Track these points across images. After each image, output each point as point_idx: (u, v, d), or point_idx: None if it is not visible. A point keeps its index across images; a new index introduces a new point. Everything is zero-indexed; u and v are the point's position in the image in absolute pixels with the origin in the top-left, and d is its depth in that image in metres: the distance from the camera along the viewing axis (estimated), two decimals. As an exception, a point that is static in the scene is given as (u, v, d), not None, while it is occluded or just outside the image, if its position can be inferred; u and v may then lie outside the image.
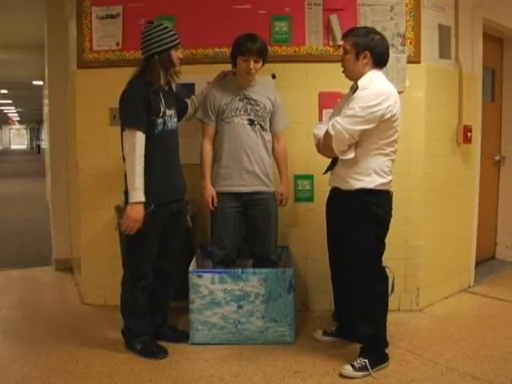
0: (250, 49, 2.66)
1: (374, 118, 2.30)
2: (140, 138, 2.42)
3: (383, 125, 2.34)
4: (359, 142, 2.38)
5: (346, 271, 2.54)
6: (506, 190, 4.37)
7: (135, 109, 2.43)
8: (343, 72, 2.50)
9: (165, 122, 2.54)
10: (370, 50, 2.38)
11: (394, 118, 2.35)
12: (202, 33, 3.14)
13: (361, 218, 2.42)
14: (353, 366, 2.40)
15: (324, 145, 2.44)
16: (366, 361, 2.40)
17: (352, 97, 2.38)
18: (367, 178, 2.38)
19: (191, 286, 2.70)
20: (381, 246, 2.48)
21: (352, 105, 2.33)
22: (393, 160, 2.45)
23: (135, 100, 2.44)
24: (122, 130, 2.46)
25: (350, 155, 2.38)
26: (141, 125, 2.43)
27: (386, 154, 2.40)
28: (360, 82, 2.38)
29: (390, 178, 2.43)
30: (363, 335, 2.48)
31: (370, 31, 2.44)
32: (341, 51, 2.56)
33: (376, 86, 2.35)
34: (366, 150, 2.39)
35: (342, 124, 2.31)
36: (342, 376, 2.39)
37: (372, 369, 2.39)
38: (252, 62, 2.69)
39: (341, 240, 2.56)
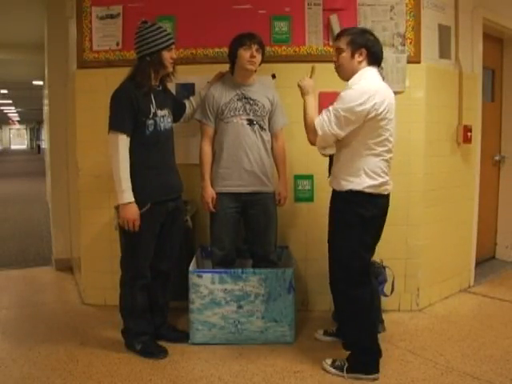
0: (250, 38, 2.71)
1: (357, 117, 2.25)
2: (123, 140, 2.43)
3: (370, 124, 2.28)
4: (347, 141, 2.34)
5: (330, 273, 2.50)
6: (506, 190, 4.37)
7: (120, 112, 2.45)
8: (337, 72, 2.44)
9: (156, 123, 2.54)
10: (367, 48, 2.34)
11: (381, 116, 2.26)
12: (202, 33, 3.14)
13: (345, 220, 2.37)
14: (333, 362, 2.42)
15: (308, 135, 2.42)
16: (346, 363, 2.39)
17: (339, 95, 2.33)
18: (356, 180, 2.32)
19: (191, 285, 2.70)
20: (364, 252, 2.39)
21: (336, 105, 2.29)
22: (386, 160, 2.35)
23: (120, 103, 2.46)
24: (108, 132, 2.48)
25: (330, 151, 2.41)
26: (124, 128, 2.44)
27: (377, 155, 2.32)
28: (350, 80, 2.35)
29: (381, 179, 2.32)
30: (346, 339, 2.46)
31: (365, 31, 2.42)
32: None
33: (362, 85, 2.29)
34: (356, 150, 2.33)
35: (329, 126, 2.28)
36: (322, 367, 2.44)
37: (347, 373, 2.36)
38: (254, 50, 2.71)
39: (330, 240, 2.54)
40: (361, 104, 2.23)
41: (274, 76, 3.12)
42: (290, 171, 3.10)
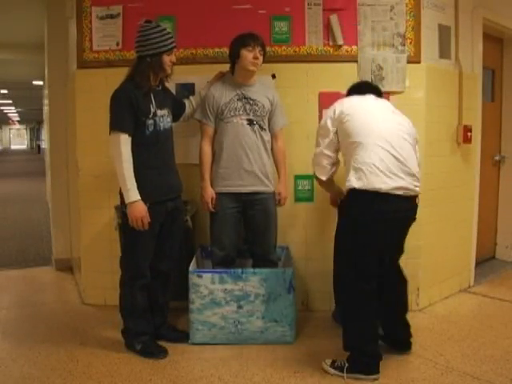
0: (254, 39, 2.72)
1: (325, 129, 2.48)
2: (125, 140, 2.44)
3: (340, 127, 2.43)
4: (342, 151, 2.48)
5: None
6: (506, 190, 4.37)
7: (120, 112, 2.45)
8: None
9: (155, 123, 2.54)
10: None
11: (343, 114, 2.41)
12: (202, 33, 3.14)
13: (341, 220, 2.44)
14: (333, 362, 2.42)
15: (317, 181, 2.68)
16: (346, 364, 2.38)
17: None
18: (347, 178, 2.36)
19: (191, 286, 2.70)
20: (359, 254, 2.33)
21: None
22: (384, 149, 2.28)
23: (120, 103, 2.46)
24: (109, 133, 2.48)
25: (332, 170, 2.55)
26: (125, 128, 2.44)
27: (360, 145, 2.30)
28: None
29: (368, 168, 2.25)
30: (342, 341, 2.45)
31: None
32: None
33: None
34: (345, 152, 2.44)
35: (314, 153, 2.56)
36: (322, 367, 2.44)
37: (347, 373, 2.35)
38: (257, 52, 2.71)
39: None
40: (324, 119, 2.52)
41: (273, 76, 3.12)
42: (290, 171, 3.09)
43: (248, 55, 2.72)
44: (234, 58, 2.79)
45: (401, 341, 2.61)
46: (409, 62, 3.12)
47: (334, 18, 3.09)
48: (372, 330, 2.40)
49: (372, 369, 2.36)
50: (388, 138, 2.31)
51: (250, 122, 2.79)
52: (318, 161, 2.53)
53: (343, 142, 2.43)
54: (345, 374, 2.36)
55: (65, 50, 3.85)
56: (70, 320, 3.14)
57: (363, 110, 2.41)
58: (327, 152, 2.48)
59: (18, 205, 8.68)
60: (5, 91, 14.97)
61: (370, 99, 2.51)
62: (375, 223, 2.30)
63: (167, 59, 2.53)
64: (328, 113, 2.50)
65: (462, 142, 3.47)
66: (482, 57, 3.69)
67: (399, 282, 2.62)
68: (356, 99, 2.52)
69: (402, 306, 2.62)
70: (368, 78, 3.10)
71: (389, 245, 2.44)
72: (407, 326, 2.62)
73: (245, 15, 3.12)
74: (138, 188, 2.46)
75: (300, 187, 3.21)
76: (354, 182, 2.29)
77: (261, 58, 2.76)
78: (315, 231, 3.19)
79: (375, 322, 2.44)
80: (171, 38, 2.54)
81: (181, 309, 2.92)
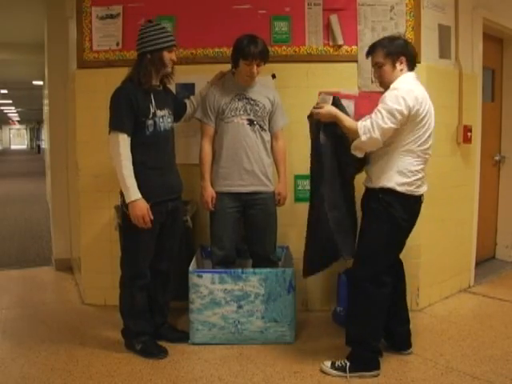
0: (253, 53, 2.65)
1: (398, 120, 2.27)
2: (124, 140, 2.44)
3: (410, 125, 2.31)
4: (388, 141, 2.34)
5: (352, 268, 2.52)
6: (506, 190, 4.37)
7: (119, 112, 2.45)
8: (380, 85, 2.47)
9: (155, 123, 2.54)
10: (405, 54, 2.38)
11: (420, 117, 2.31)
12: (202, 33, 3.14)
13: (377, 218, 2.39)
14: (333, 363, 2.41)
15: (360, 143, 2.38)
16: (348, 363, 2.38)
17: (382, 97, 2.35)
18: (389, 177, 2.35)
19: (191, 286, 2.70)
20: (390, 250, 2.45)
21: (379, 107, 2.31)
22: (424, 159, 2.41)
23: (120, 103, 2.46)
24: (109, 133, 2.48)
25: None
26: (124, 128, 2.44)
27: (413, 152, 2.35)
28: (392, 85, 2.37)
29: (413, 177, 2.34)
30: (348, 336, 2.45)
31: (391, 38, 2.44)
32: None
33: (402, 88, 2.31)
34: (395, 149, 2.35)
35: (374, 130, 2.28)
36: (321, 370, 2.42)
37: (350, 372, 2.35)
38: (255, 66, 2.70)
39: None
40: (401, 106, 2.26)
41: (274, 76, 3.12)
42: (290, 171, 3.09)
43: (245, 68, 2.71)
44: (234, 62, 2.78)
45: (401, 338, 2.62)
46: (409, 61, 3.12)
47: (334, 18, 3.09)
48: (380, 325, 2.42)
49: (373, 364, 2.38)
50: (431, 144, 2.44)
51: (251, 123, 2.79)
52: (377, 143, 2.32)
53: (401, 137, 2.33)
54: (348, 374, 2.36)
55: (65, 50, 3.85)
56: (70, 320, 3.14)
57: (432, 116, 2.44)
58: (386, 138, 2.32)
59: (17, 205, 8.68)
60: (5, 91, 14.95)
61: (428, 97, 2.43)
62: (408, 223, 2.42)
63: (167, 56, 2.53)
64: (403, 104, 2.26)
65: (462, 142, 3.47)
66: (481, 57, 3.69)
67: (401, 279, 2.67)
68: (424, 97, 2.38)
69: (404, 301, 2.65)
70: (368, 78, 3.11)
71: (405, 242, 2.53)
72: (408, 322, 2.63)
73: (245, 15, 3.12)
74: (139, 188, 2.46)
75: (300, 187, 3.20)
76: (399, 184, 2.32)
77: (259, 69, 2.73)
78: (315, 231, 3.18)
79: (384, 318, 2.44)
80: (171, 35, 2.55)
81: (181, 309, 2.92)
